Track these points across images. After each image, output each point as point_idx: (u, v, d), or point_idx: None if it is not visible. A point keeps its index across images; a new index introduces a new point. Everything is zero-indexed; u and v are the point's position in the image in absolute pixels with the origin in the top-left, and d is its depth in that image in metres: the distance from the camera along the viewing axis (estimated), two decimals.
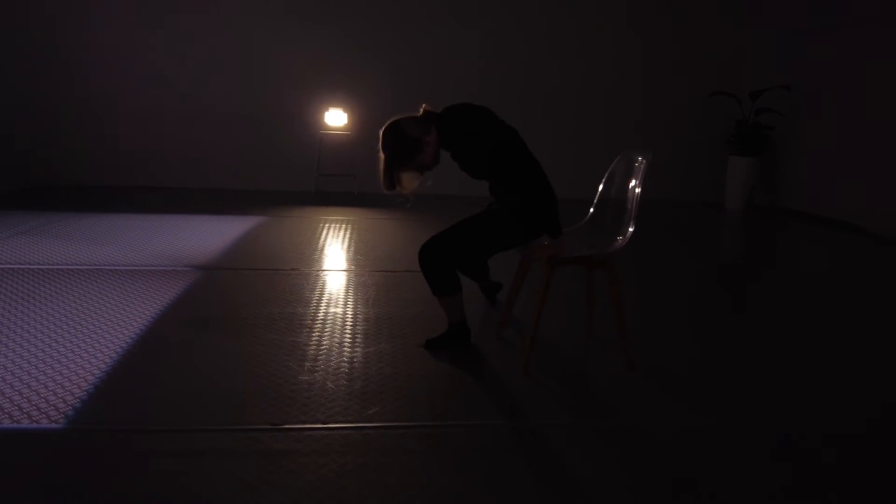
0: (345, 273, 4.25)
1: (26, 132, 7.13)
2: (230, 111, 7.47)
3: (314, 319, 3.28)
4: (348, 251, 4.82)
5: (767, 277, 4.87)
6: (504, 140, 2.74)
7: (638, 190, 2.85)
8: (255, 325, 3.16)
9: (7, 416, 2.18)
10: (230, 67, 7.42)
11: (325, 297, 3.69)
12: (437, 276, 2.77)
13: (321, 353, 2.84)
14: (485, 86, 7.63)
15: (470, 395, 2.54)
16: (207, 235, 5.10)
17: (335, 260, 4.58)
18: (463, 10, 7.59)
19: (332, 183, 7.54)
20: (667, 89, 7.93)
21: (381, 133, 2.78)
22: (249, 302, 3.52)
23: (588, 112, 7.87)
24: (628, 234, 2.78)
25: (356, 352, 2.87)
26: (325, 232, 5.43)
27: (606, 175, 3.06)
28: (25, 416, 2.18)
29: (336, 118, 7.28)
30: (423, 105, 2.83)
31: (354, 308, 3.48)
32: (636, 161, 2.93)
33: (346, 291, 3.81)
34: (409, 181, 2.84)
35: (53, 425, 2.14)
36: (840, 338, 3.40)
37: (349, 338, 3.04)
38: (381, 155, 2.78)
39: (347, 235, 5.35)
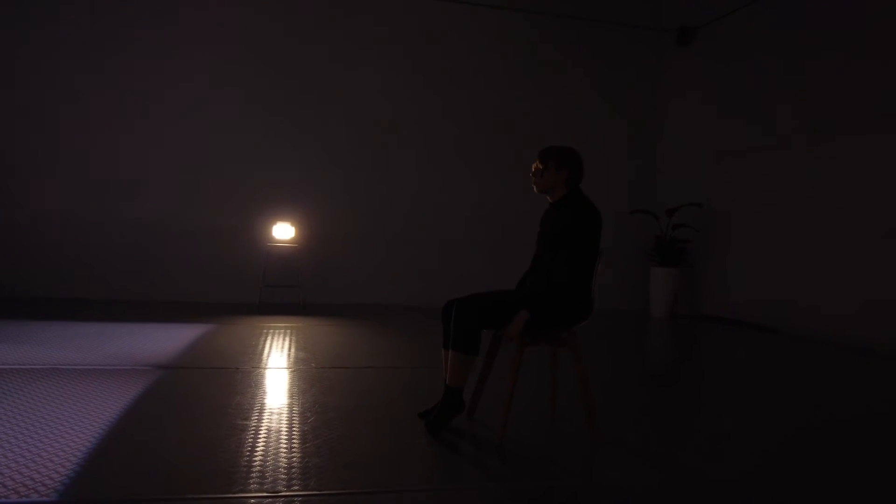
0: (306, 370, 4.31)
1: None
2: (176, 224, 7.57)
3: (284, 408, 3.34)
4: (305, 351, 4.89)
5: (698, 373, 5.24)
6: (582, 241, 3.03)
7: (594, 281, 3.19)
8: (229, 413, 3.19)
9: None
10: (176, 180, 7.61)
11: (292, 390, 3.76)
12: (465, 329, 2.91)
13: (294, 435, 2.90)
14: (422, 200, 8.14)
15: (450, 463, 2.67)
16: (160, 340, 5.07)
17: (294, 359, 4.64)
18: (404, 130, 8.18)
19: (275, 294, 7.62)
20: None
21: (571, 148, 3.23)
22: (220, 394, 3.54)
23: (522, 234, 8.42)
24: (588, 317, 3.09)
25: (334, 433, 2.94)
26: (277, 336, 5.49)
27: None
28: (12, 491, 2.15)
29: (283, 231, 7.50)
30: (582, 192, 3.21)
31: (325, 398, 3.56)
32: None
33: (313, 385, 3.88)
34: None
35: (43, 499, 2.12)
36: (759, 409, 3.73)
37: (324, 421, 3.11)
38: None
39: (302, 338, 5.42)
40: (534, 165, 3.23)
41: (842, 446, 3.15)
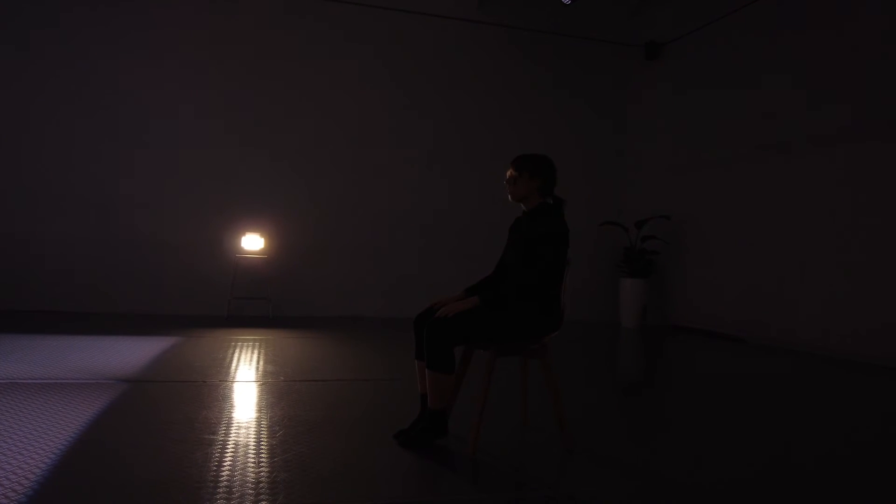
0: (275, 383, 4.25)
1: None
2: (143, 236, 7.44)
3: (252, 421, 3.27)
4: (274, 364, 4.82)
5: (668, 381, 5.29)
6: (552, 252, 3.00)
7: (565, 291, 3.20)
8: (196, 427, 3.12)
9: None
10: (144, 192, 7.48)
11: (260, 403, 3.69)
12: (438, 349, 2.86)
13: (262, 450, 2.85)
14: (391, 211, 8.13)
15: (422, 476, 2.64)
16: (125, 353, 4.95)
17: (263, 371, 4.57)
18: (373, 140, 8.17)
19: (244, 307, 7.52)
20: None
21: (545, 156, 3.23)
22: (186, 408, 3.47)
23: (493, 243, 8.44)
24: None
25: (304, 447, 2.89)
26: (246, 349, 5.40)
27: None
28: None
29: (253, 242, 7.41)
30: (561, 200, 3.21)
31: (294, 411, 3.51)
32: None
33: (281, 398, 3.82)
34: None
35: None
36: (731, 416, 3.77)
37: (294, 435, 3.06)
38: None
39: (271, 351, 5.34)
40: (508, 173, 3.22)
41: (815, 450, 3.20)
